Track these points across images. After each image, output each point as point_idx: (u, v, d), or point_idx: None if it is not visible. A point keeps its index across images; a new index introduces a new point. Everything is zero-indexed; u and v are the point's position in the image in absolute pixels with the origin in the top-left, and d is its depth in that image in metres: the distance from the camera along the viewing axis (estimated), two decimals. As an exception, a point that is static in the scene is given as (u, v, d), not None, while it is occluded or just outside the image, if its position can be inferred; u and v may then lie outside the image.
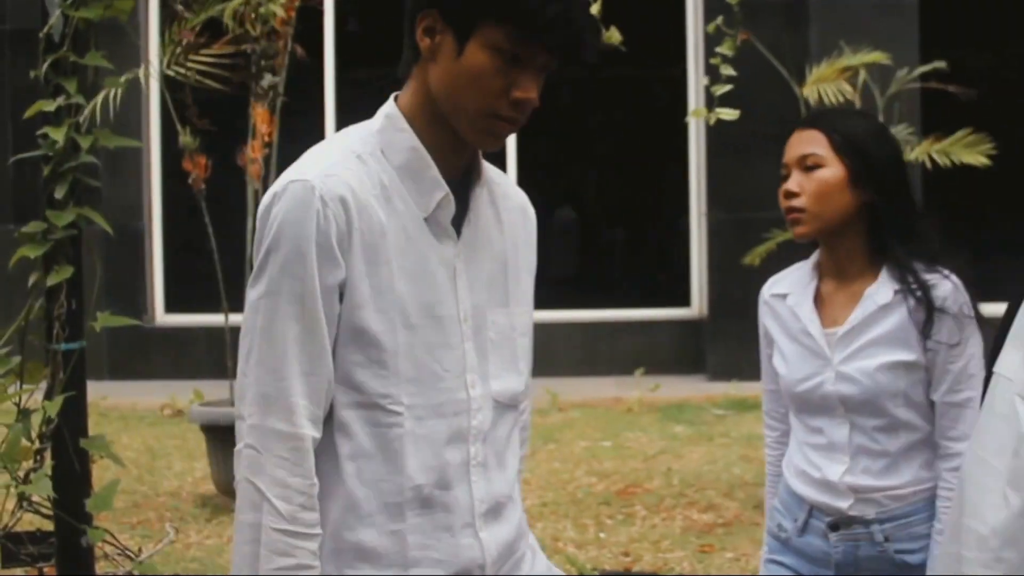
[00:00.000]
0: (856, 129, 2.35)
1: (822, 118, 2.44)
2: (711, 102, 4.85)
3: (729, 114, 4.50)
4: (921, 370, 2.29)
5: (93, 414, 8.17)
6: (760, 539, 4.96)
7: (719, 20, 5.11)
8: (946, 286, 2.29)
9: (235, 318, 5.67)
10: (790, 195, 2.32)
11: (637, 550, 4.79)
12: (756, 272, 6.05)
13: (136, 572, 3.93)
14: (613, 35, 5.10)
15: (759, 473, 6.06)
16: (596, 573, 4.42)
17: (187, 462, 6.58)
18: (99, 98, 5.48)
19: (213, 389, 6.90)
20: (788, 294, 2.42)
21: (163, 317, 9.87)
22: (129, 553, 4.00)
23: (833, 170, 2.30)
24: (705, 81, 9.24)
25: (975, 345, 2.29)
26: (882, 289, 2.31)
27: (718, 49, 4.96)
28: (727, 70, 4.78)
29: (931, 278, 2.29)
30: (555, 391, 8.34)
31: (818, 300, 2.38)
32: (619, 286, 9.85)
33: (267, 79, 5.45)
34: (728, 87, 4.67)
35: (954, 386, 2.28)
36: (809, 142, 2.33)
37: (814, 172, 2.30)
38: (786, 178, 2.34)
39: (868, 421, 2.30)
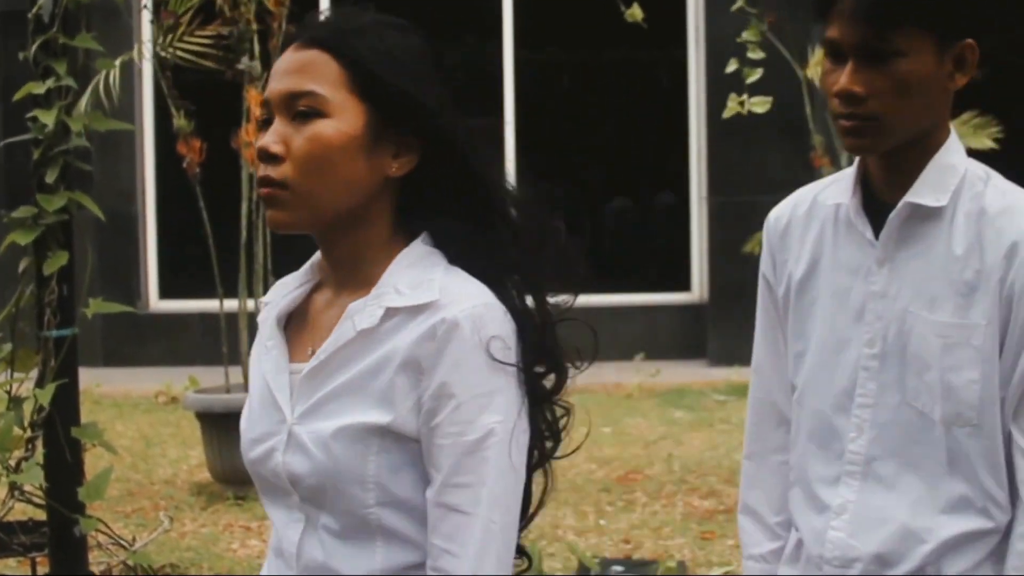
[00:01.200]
0: (385, 49, 1.43)
1: (335, 33, 1.44)
2: (719, 84, 4.76)
3: (762, 104, 4.39)
4: (409, 442, 1.38)
5: (87, 401, 8.12)
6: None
7: (740, 2, 4.98)
8: (464, 305, 1.37)
9: (230, 304, 5.62)
10: (269, 158, 1.40)
11: (637, 537, 4.73)
12: (757, 257, 5.98)
13: (130, 562, 3.87)
14: (636, 12, 5.05)
15: (760, 459, 6.01)
16: (597, 560, 4.36)
17: (182, 450, 6.52)
18: (99, 80, 5.41)
19: (208, 375, 6.84)
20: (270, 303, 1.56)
21: (157, 303, 9.79)
22: (123, 542, 3.94)
23: (343, 122, 1.40)
24: (703, 62, 9.19)
25: (499, 413, 1.37)
26: (369, 306, 1.41)
27: (745, 34, 4.85)
28: (755, 53, 4.67)
29: (455, 290, 1.39)
30: (554, 377, 8.28)
31: (296, 319, 1.51)
32: (619, 271, 9.77)
33: (244, 62, 5.37)
34: (759, 72, 4.56)
35: (451, 476, 1.36)
36: (306, 71, 1.42)
37: (309, 123, 1.40)
38: (263, 125, 1.45)
39: (329, 520, 1.42)
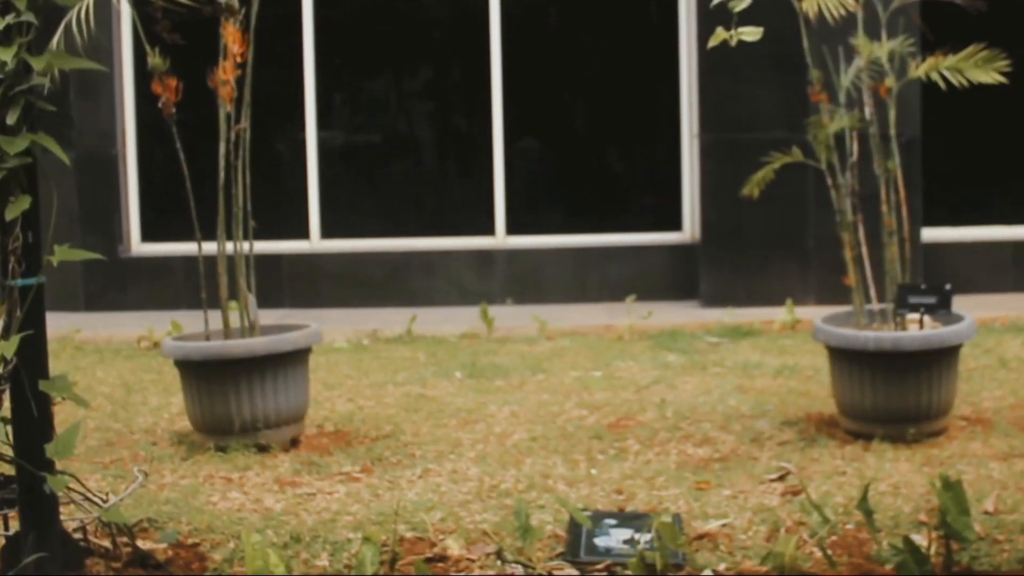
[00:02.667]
0: None
1: None
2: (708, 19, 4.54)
3: (752, 33, 4.14)
4: None
5: (67, 348, 8.00)
6: (758, 474, 4.80)
7: None
8: None
9: (208, 247, 5.44)
10: None
11: (630, 487, 4.59)
12: (751, 198, 5.80)
13: (104, 519, 3.73)
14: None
15: (755, 404, 5.87)
16: (588, 514, 4.23)
17: (163, 396, 6.37)
18: (71, 17, 5.19)
19: (192, 320, 6.69)
20: None
21: (139, 246, 9.60)
22: (95, 499, 3.80)
23: None
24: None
25: None
26: None
27: None
28: None
29: None
30: (543, 319, 8.14)
31: None
32: (609, 211, 9.60)
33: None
34: (747, 1, 4.31)
35: None
36: None
37: None
38: None
39: None
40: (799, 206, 8.66)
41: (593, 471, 4.84)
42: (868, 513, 3.81)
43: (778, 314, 8.19)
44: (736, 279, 8.76)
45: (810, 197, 8.60)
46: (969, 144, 9.18)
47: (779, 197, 8.27)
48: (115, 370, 7.14)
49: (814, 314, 8.21)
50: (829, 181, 5.30)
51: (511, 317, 8.50)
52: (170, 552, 3.93)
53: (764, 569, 3.72)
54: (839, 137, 5.37)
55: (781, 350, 7.24)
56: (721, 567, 3.76)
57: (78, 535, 3.84)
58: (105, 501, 3.94)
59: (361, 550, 3.69)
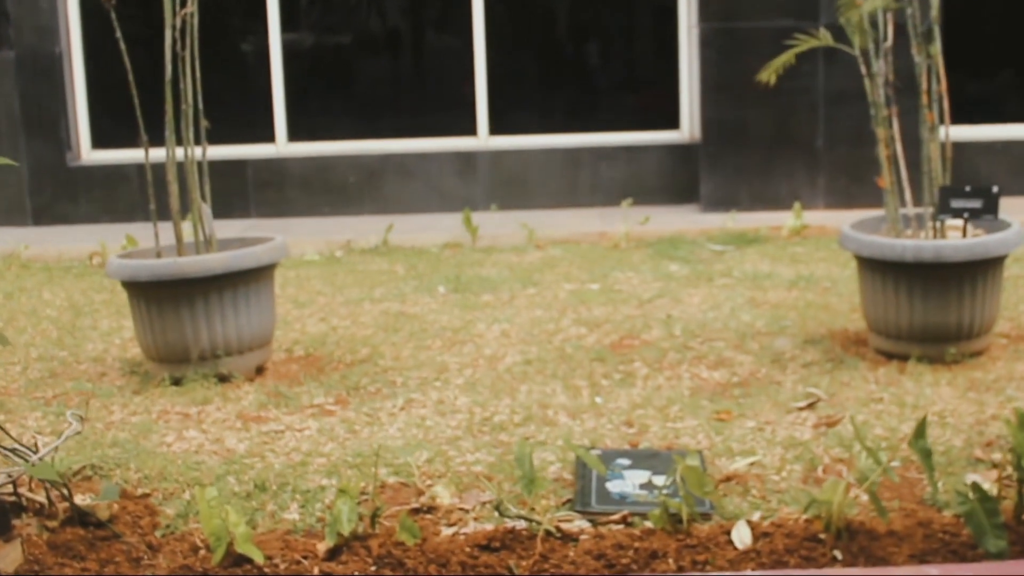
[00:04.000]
0: None
1: None
2: None
3: None
4: None
5: (13, 266, 7.37)
6: (784, 401, 4.27)
7: None
8: None
9: (156, 153, 4.82)
10: None
11: (641, 419, 4.06)
12: (756, 90, 5.19)
13: (32, 475, 3.17)
14: None
15: (771, 320, 5.33)
16: (597, 453, 3.69)
17: (115, 320, 5.78)
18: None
19: (150, 233, 6.08)
20: None
21: (90, 153, 8.92)
22: (22, 450, 3.23)
23: None
24: None
25: None
26: None
27: None
28: None
29: None
30: (532, 226, 7.60)
31: None
32: (600, 108, 8.98)
33: None
34: None
35: None
36: None
37: None
38: None
39: None
40: (807, 102, 8.05)
41: (598, 399, 4.31)
42: (927, 454, 3.27)
43: (785, 219, 7.64)
44: (739, 181, 8.18)
45: (819, 92, 7.99)
46: (988, 36, 8.59)
47: (785, 92, 7.67)
48: (63, 290, 6.53)
49: (824, 219, 7.70)
50: (863, 69, 4.69)
51: (496, 224, 7.94)
52: (115, 506, 3.37)
53: (806, 519, 3.19)
54: (871, 21, 4.75)
55: (792, 258, 6.69)
56: (755, 516, 3.24)
57: (7, 490, 3.29)
58: (35, 450, 3.37)
59: (336, 504, 3.14)
